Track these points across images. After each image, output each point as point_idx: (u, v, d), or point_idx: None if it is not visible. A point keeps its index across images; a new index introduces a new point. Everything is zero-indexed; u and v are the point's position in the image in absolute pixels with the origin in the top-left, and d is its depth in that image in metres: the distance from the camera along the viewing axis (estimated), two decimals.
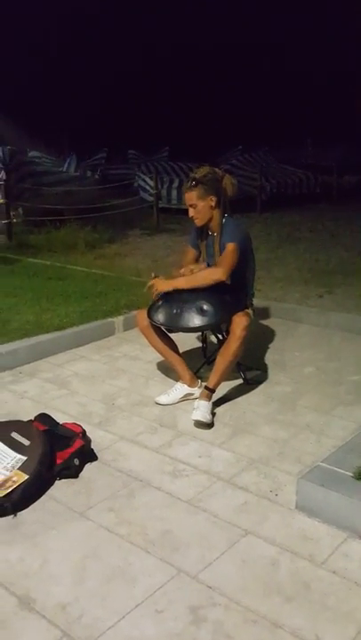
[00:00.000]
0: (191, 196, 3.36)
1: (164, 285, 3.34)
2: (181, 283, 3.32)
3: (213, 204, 3.37)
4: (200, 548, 2.24)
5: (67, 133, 18.62)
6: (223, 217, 3.42)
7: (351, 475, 2.41)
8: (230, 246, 3.29)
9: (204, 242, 3.54)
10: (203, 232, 3.53)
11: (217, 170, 3.47)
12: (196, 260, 3.58)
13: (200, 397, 3.26)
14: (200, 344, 4.09)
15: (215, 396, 3.33)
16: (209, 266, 3.51)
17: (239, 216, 3.56)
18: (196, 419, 3.14)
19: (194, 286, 3.27)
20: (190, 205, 3.39)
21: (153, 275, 3.46)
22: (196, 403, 3.23)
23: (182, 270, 3.46)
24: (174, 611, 1.95)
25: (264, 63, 21.66)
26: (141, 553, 2.22)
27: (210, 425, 3.16)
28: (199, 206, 3.36)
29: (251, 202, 11.23)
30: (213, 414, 3.26)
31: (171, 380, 3.69)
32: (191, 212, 3.41)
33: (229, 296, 3.32)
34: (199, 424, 3.14)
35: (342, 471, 2.44)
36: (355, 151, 15.64)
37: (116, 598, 2.00)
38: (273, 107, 21.51)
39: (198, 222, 3.43)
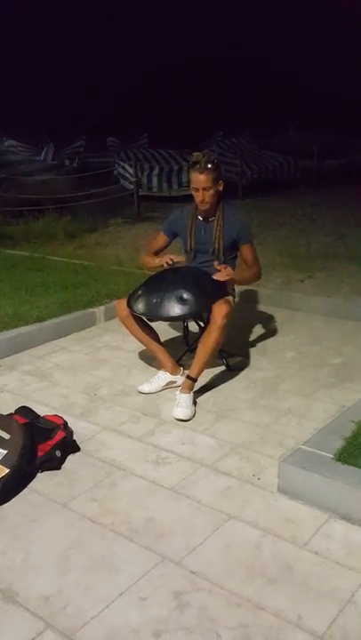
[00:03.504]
0: (207, 179, 3.26)
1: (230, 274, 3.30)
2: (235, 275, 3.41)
3: (221, 188, 3.36)
4: (184, 535, 2.24)
5: (45, 122, 18.39)
6: (220, 202, 3.41)
7: (332, 457, 2.42)
8: (249, 247, 3.49)
9: (192, 227, 3.47)
10: (193, 217, 3.47)
11: None
12: (163, 249, 3.56)
13: (182, 389, 3.23)
14: (182, 332, 4.09)
15: (198, 383, 3.33)
16: (198, 252, 3.48)
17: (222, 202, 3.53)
18: (177, 417, 3.11)
19: (242, 282, 3.66)
20: (204, 188, 3.28)
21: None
22: (178, 396, 3.20)
23: (158, 260, 3.44)
24: (158, 597, 1.95)
25: (244, 49, 21.50)
26: (125, 542, 2.22)
27: (191, 419, 3.15)
28: (213, 190, 3.31)
29: (232, 188, 11.18)
30: (195, 403, 3.26)
31: (153, 369, 3.69)
32: (202, 196, 3.30)
33: (209, 284, 3.30)
34: (181, 421, 3.12)
35: (323, 453, 2.46)
36: (335, 135, 15.65)
37: (99, 588, 2.00)
38: (253, 92, 21.43)
39: (205, 206, 3.36)
